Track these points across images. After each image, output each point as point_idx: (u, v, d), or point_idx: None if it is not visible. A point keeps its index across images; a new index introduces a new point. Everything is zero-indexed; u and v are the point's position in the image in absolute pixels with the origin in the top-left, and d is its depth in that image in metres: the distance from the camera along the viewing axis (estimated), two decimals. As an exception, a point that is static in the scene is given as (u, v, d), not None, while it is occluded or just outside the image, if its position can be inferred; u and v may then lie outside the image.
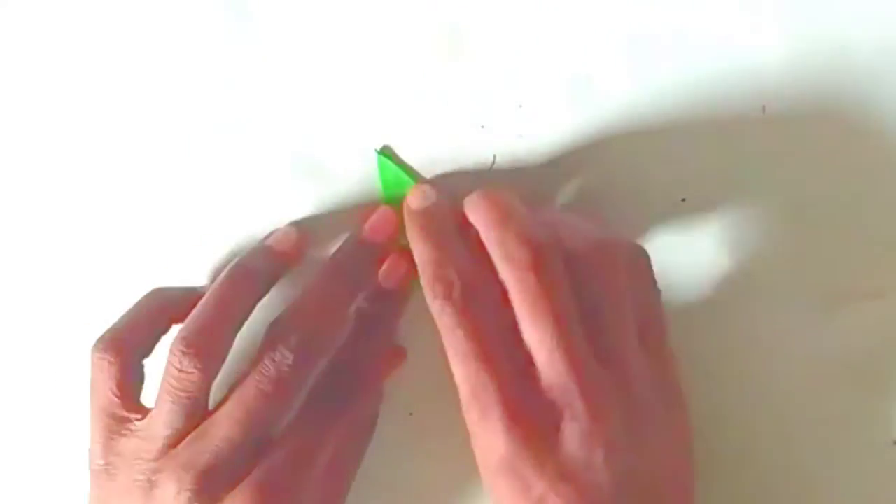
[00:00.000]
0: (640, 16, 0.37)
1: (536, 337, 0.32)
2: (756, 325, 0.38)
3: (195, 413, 0.34)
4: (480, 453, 0.32)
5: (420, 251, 0.34)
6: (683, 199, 0.38)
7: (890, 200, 0.38)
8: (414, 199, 0.36)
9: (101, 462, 0.35)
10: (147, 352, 0.36)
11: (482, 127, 0.38)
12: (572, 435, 0.31)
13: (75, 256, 0.40)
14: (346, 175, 0.39)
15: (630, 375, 0.33)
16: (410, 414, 0.39)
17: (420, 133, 0.38)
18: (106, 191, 0.39)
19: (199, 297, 0.37)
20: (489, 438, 0.32)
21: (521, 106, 0.38)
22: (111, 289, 0.40)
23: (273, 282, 0.37)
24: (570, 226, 0.34)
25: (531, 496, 0.31)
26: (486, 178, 0.38)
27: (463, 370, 0.32)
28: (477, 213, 0.34)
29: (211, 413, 0.34)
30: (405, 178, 0.38)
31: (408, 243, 0.36)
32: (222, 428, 0.33)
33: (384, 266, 0.38)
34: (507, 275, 0.33)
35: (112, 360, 0.35)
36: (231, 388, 0.35)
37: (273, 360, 0.34)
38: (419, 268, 0.34)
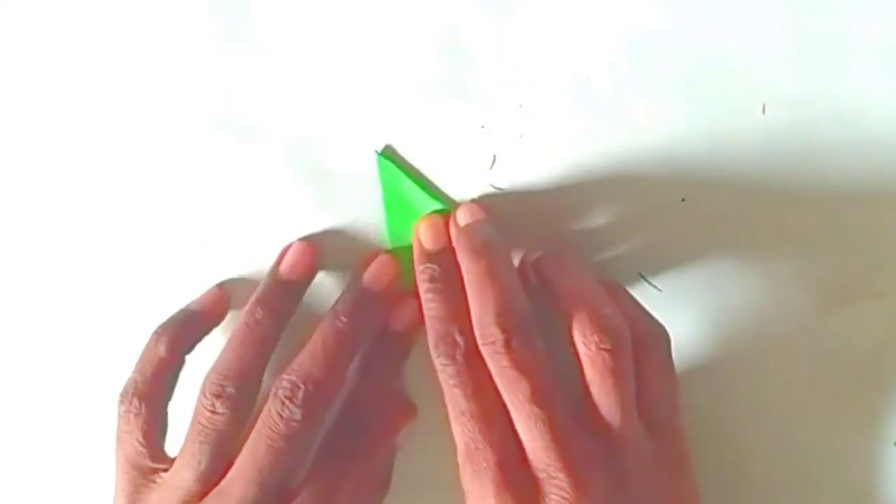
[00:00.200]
0: (640, 16, 0.37)
1: (511, 410, 0.33)
2: (756, 325, 0.38)
3: (222, 456, 0.34)
4: None
5: (429, 304, 0.35)
6: (683, 199, 0.38)
7: (890, 200, 0.38)
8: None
9: None
10: (170, 397, 0.37)
11: (482, 127, 0.38)
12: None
13: (75, 256, 0.40)
14: (347, 175, 0.39)
15: (622, 446, 0.33)
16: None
17: (420, 133, 0.38)
18: (106, 191, 0.39)
19: (199, 317, 0.37)
20: (481, 497, 0.32)
21: (521, 106, 0.38)
22: (111, 289, 0.40)
23: (293, 310, 0.37)
24: (602, 303, 0.34)
25: None
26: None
27: (460, 428, 0.33)
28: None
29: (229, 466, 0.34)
30: (405, 179, 0.38)
31: (411, 286, 0.36)
32: (239, 487, 0.34)
33: (394, 311, 0.38)
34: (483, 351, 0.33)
35: (139, 411, 0.35)
36: (243, 442, 0.35)
37: (281, 417, 0.34)
38: (426, 321, 0.35)
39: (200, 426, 0.34)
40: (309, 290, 0.38)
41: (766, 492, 0.38)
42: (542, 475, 0.32)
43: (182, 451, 0.35)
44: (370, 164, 0.38)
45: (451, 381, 0.34)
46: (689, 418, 0.37)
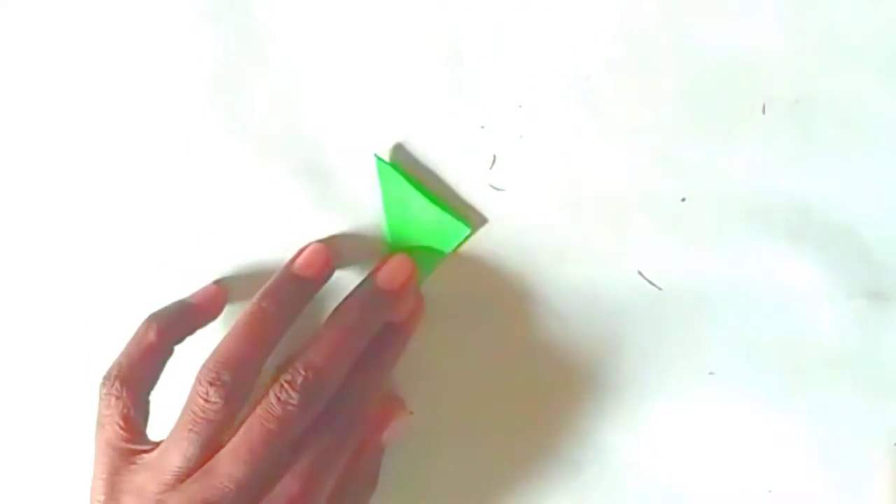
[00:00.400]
0: (640, 16, 0.37)
1: None
2: (756, 326, 0.38)
3: (211, 445, 0.34)
4: None
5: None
6: (683, 199, 0.38)
7: (890, 200, 0.38)
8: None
9: (102, 498, 0.34)
10: (154, 384, 0.37)
11: (482, 127, 0.38)
12: None
13: (75, 256, 0.40)
14: (347, 176, 0.39)
15: None
16: (410, 413, 0.39)
17: (420, 133, 0.38)
18: (106, 191, 0.39)
19: (194, 309, 0.37)
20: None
21: (521, 106, 0.38)
22: (111, 289, 0.40)
23: (301, 309, 0.37)
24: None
25: None
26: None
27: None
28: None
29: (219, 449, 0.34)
30: (405, 182, 0.38)
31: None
32: (228, 466, 0.33)
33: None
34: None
35: (120, 395, 0.35)
36: (239, 424, 0.34)
37: (279, 400, 0.34)
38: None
39: (192, 413, 0.34)
40: (309, 291, 0.38)
41: (765, 490, 0.38)
42: None
43: (170, 435, 0.35)
44: (370, 165, 0.38)
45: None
46: (688, 418, 0.37)
